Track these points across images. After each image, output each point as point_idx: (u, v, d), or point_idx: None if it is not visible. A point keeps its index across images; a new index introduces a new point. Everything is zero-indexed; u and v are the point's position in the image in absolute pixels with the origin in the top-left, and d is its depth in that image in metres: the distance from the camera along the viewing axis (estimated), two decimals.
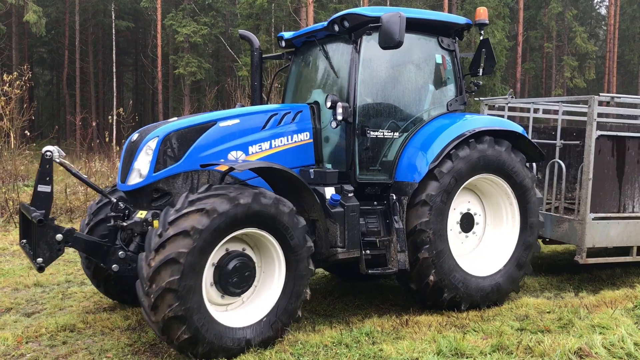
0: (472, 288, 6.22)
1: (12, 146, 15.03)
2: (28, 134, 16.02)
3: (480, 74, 6.67)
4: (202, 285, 4.73)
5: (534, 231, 6.68)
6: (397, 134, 6.27)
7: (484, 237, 6.72)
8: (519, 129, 6.71)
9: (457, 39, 6.74)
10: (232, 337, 4.89)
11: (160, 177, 5.45)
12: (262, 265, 5.31)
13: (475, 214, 6.63)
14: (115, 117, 20.03)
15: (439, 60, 6.59)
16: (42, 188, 5.27)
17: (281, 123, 6.00)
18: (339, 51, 6.37)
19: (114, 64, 36.48)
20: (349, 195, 5.79)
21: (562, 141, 7.90)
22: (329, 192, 5.75)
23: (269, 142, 5.92)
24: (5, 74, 15.31)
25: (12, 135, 15.01)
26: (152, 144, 5.49)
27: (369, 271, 5.83)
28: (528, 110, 8.81)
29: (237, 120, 5.82)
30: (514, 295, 6.90)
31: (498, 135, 6.41)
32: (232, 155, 5.70)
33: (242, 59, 30.14)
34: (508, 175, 6.43)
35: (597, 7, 53.94)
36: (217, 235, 4.75)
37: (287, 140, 6.02)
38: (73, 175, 6.05)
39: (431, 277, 5.99)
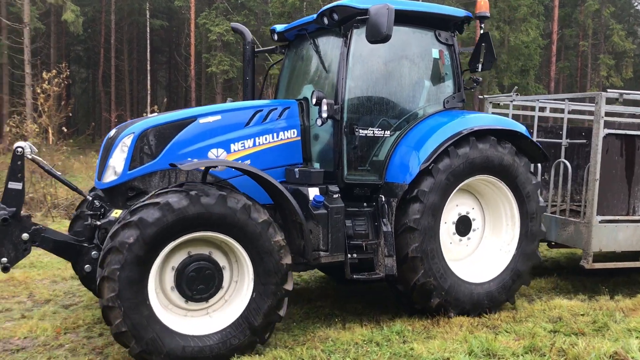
0: (463, 294, 5.92)
1: (50, 142, 15.40)
2: (65, 130, 16.37)
3: (479, 69, 6.38)
4: (147, 284, 4.51)
5: (534, 241, 6.35)
6: (388, 132, 5.99)
7: (481, 242, 6.45)
8: (520, 128, 6.39)
9: (456, 32, 6.42)
10: (177, 342, 4.59)
11: (135, 175, 5.29)
12: (232, 269, 5.02)
13: (473, 219, 6.33)
14: (149, 115, 20.36)
15: (436, 55, 6.28)
16: (13, 185, 5.11)
17: (266, 120, 5.77)
18: (329, 45, 6.13)
19: (148, 62, 37.00)
20: (334, 196, 5.51)
21: (568, 140, 7.63)
22: (313, 192, 5.44)
23: (252, 139, 5.68)
24: (44, 72, 15.70)
25: (50, 131, 15.40)
26: (128, 140, 5.33)
27: (354, 276, 5.55)
28: (534, 108, 8.49)
29: (218, 117, 5.60)
30: (546, 297, 6.82)
31: (497, 135, 6.10)
32: (212, 153, 5.49)
33: (274, 57, 30.28)
34: (510, 178, 6.13)
35: (636, 4, 52.68)
36: (151, 248, 4.48)
37: (273, 138, 5.77)
38: (46, 172, 5.91)
39: (419, 279, 5.69)
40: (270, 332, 5.01)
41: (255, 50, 6.99)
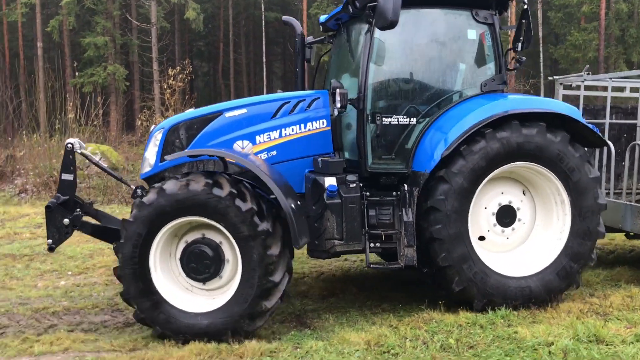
0: (492, 286, 5.61)
1: None
2: None
3: (519, 48, 6.00)
4: (148, 260, 5.08)
5: (588, 240, 5.80)
6: (416, 119, 5.83)
7: (529, 236, 6.02)
8: (567, 110, 5.83)
9: (497, 11, 6.02)
10: (185, 321, 5.08)
11: (166, 166, 5.74)
12: (230, 255, 5.25)
13: (518, 209, 5.92)
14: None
15: (472, 36, 5.94)
16: (65, 176, 5.75)
17: (294, 111, 5.88)
18: (358, 33, 6.05)
19: (264, 54, 38.37)
20: (351, 185, 5.47)
21: None
22: (329, 182, 5.44)
23: (278, 130, 5.83)
24: (170, 69, 16.94)
25: None
26: (159, 135, 5.84)
27: (371, 265, 5.67)
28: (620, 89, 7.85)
29: (244, 110, 5.86)
30: None
31: (540, 119, 5.63)
32: (238, 145, 5.75)
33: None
34: (559, 169, 5.66)
35: None
36: (149, 227, 5.03)
37: (300, 129, 5.86)
38: (94, 164, 6.51)
39: (439, 262, 5.53)
40: (260, 322, 5.16)
41: (306, 42, 7.09)
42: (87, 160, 6.51)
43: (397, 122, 5.80)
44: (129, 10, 28.78)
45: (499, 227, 5.91)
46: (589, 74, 7.78)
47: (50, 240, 5.67)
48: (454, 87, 6.00)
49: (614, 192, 7.59)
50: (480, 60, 6.06)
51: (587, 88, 8.00)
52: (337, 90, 5.50)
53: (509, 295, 5.67)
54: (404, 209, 5.50)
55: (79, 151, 5.86)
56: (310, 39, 7.27)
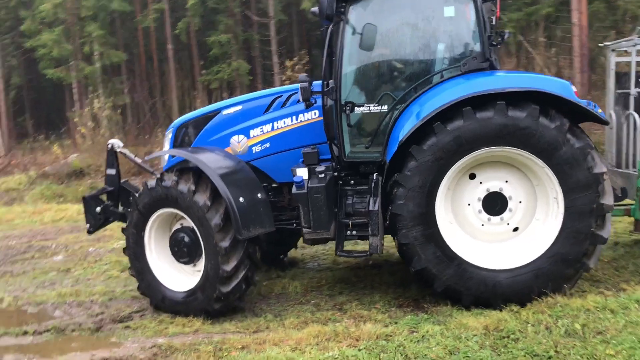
0: (477, 282, 5.25)
1: None
2: None
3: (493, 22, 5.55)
4: (143, 242, 5.92)
5: (586, 220, 5.11)
6: (389, 106, 5.61)
7: (523, 228, 5.46)
8: (548, 86, 5.18)
9: None
10: (171, 296, 5.85)
11: (176, 160, 6.38)
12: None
13: (509, 197, 5.41)
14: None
15: (450, 13, 5.53)
16: (109, 171, 6.75)
17: (286, 104, 6.09)
18: (336, 24, 5.77)
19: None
20: (320, 176, 5.53)
21: None
22: (299, 173, 5.62)
23: (270, 124, 6.12)
24: (287, 60, 17.39)
25: None
26: (169, 134, 6.69)
27: (338, 253, 5.60)
28: None
29: (239, 107, 6.31)
30: None
31: (519, 98, 5.07)
32: (234, 139, 6.24)
33: None
34: (535, 147, 5.06)
35: None
36: (141, 216, 5.89)
37: (292, 121, 6.06)
38: (130, 160, 7.24)
39: (414, 265, 5.32)
40: (218, 305, 5.60)
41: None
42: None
43: (369, 111, 5.71)
44: (248, 7, 29.97)
45: (485, 215, 5.47)
46: (639, 36, 6.83)
47: (88, 225, 6.72)
48: (431, 69, 5.68)
49: None
50: (460, 39, 5.69)
51: None
52: (300, 84, 5.57)
53: (497, 290, 5.26)
54: (371, 198, 5.41)
55: (117, 149, 6.79)
56: None
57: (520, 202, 5.45)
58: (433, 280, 5.35)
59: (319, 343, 4.83)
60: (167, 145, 6.74)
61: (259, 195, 5.73)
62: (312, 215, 5.52)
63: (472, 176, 5.50)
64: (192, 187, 5.55)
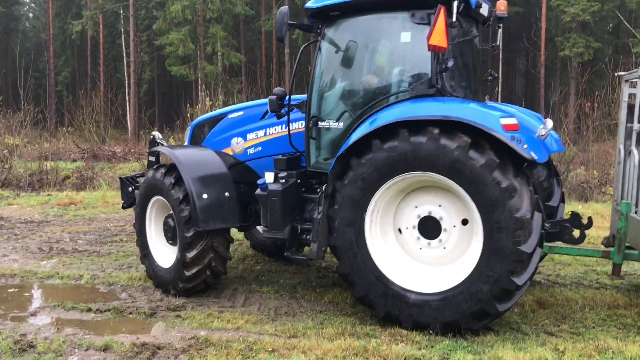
0: (372, 282, 5.50)
1: None
2: None
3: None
4: (145, 225, 6.89)
5: (502, 262, 4.95)
6: (342, 124, 6.02)
7: (463, 250, 5.39)
8: (472, 117, 5.00)
9: (437, 7, 5.21)
10: (157, 270, 6.77)
11: None
12: None
13: (440, 218, 5.47)
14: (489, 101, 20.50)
15: (406, 39, 5.71)
16: (150, 158, 7.50)
17: None
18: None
19: (500, 51, 36.81)
20: (281, 181, 6.11)
21: None
22: (266, 176, 6.23)
23: (263, 130, 6.89)
24: None
25: None
26: (188, 130, 7.71)
27: (285, 254, 6.19)
28: None
29: (241, 112, 7.14)
30: None
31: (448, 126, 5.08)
32: (234, 141, 7.08)
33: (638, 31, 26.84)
34: (461, 179, 5.04)
35: None
36: (143, 201, 6.85)
37: (281, 129, 6.73)
38: (162, 150, 7.52)
39: (339, 268, 5.74)
40: (189, 284, 6.38)
41: None
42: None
43: (328, 126, 6.15)
44: None
45: (424, 240, 5.59)
46: None
47: (123, 201, 7.78)
48: (386, 91, 5.89)
49: None
50: (414, 64, 5.84)
51: None
52: (270, 96, 6.20)
53: (388, 300, 5.45)
54: (317, 207, 5.89)
55: (158, 140, 7.73)
56: None
57: (454, 225, 5.47)
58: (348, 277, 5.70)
59: (346, 357, 4.81)
60: (186, 141, 7.76)
61: (226, 193, 6.34)
62: (268, 216, 6.10)
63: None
64: (172, 181, 6.33)
